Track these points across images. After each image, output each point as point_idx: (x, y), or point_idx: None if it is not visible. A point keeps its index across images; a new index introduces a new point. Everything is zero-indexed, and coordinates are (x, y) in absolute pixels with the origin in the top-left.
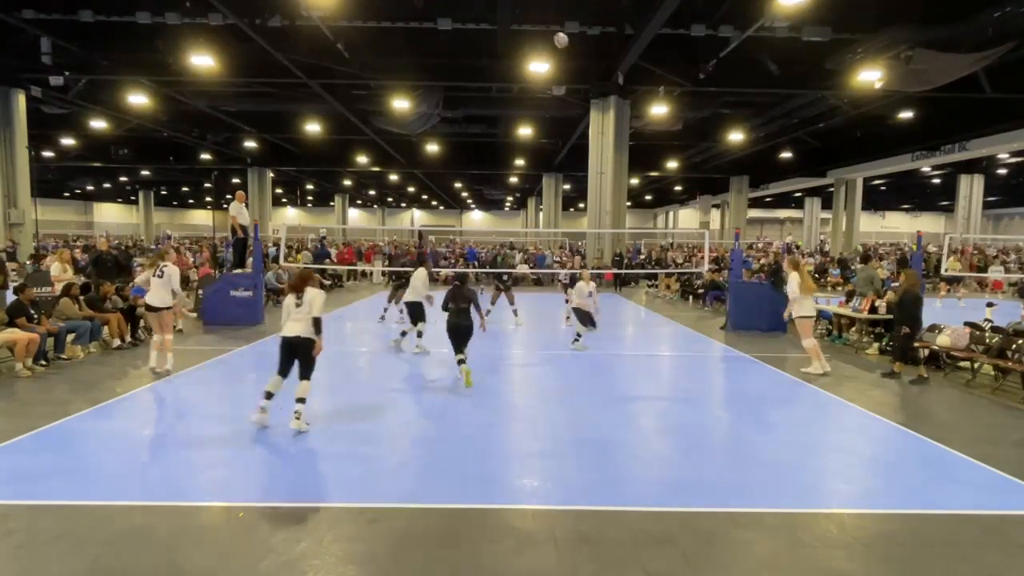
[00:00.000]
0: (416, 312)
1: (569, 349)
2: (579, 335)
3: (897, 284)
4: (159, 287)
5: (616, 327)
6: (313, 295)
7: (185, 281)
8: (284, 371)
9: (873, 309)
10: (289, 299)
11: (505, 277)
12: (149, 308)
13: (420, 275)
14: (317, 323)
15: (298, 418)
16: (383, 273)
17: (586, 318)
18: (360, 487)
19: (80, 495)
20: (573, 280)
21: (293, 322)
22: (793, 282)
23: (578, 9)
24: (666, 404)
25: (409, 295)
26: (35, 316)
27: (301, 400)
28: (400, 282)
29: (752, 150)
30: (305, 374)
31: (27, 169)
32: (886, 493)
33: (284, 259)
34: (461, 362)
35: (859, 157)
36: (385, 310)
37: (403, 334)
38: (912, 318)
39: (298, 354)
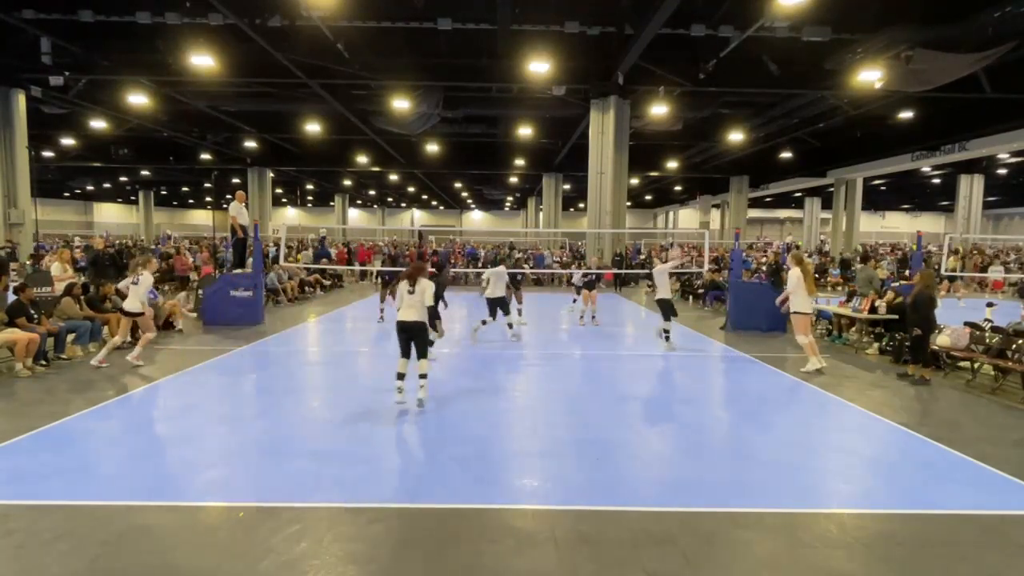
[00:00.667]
0: (502, 305)
1: (659, 349)
2: (667, 331)
3: (897, 284)
4: (134, 293)
5: (616, 327)
6: (425, 285)
7: (185, 281)
8: (407, 352)
9: (873, 309)
10: (403, 286)
11: (519, 276)
12: (124, 313)
13: (500, 272)
14: (432, 311)
15: (423, 387)
16: (376, 273)
17: (671, 309)
18: (360, 487)
19: (80, 495)
20: (589, 281)
21: (407, 308)
22: (794, 276)
23: (578, 9)
24: (666, 404)
25: (491, 291)
26: (35, 316)
27: (423, 376)
28: (389, 281)
29: (752, 150)
30: (422, 354)
31: (27, 169)
32: (886, 493)
33: (284, 259)
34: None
35: (859, 157)
36: (382, 311)
37: (484, 323)
38: (925, 319)
39: (413, 336)
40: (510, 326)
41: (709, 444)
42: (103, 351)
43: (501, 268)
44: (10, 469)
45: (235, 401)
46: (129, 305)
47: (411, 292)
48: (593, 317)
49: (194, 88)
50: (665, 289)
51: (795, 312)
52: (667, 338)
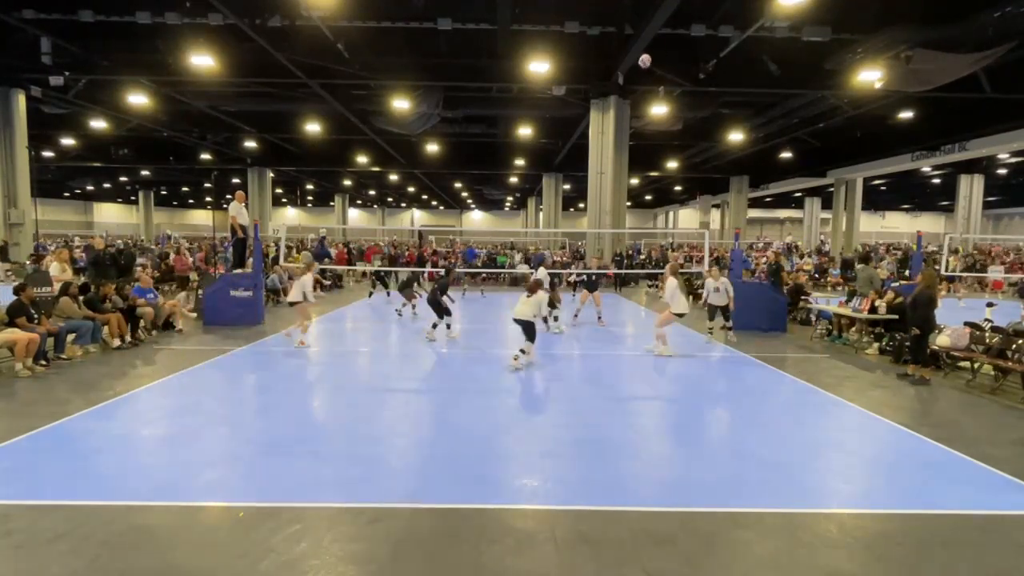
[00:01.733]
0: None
1: (703, 346)
2: (711, 330)
3: (897, 284)
4: (297, 287)
5: (616, 327)
6: (540, 297)
7: (185, 281)
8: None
9: (873, 309)
10: (524, 296)
11: (593, 278)
12: (290, 304)
13: (542, 274)
14: (436, 306)
15: (516, 359)
16: (374, 272)
17: (724, 312)
18: (360, 487)
19: (80, 495)
20: (592, 281)
21: (522, 307)
22: (671, 286)
23: (578, 9)
24: (666, 404)
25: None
26: (35, 316)
27: (524, 351)
28: (408, 281)
29: (752, 150)
30: (529, 338)
31: (27, 169)
32: (886, 493)
33: (284, 259)
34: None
35: (859, 157)
36: (404, 305)
37: (556, 318)
38: (924, 319)
39: (523, 328)
40: (544, 320)
41: (709, 444)
42: (307, 334)
43: (543, 271)
44: (10, 469)
45: (235, 401)
46: (291, 296)
47: (528, 298)
48: (599, 317)
49: (194, 88)
50: (713, 297)
51: (675, 313)
52: (710, 331)
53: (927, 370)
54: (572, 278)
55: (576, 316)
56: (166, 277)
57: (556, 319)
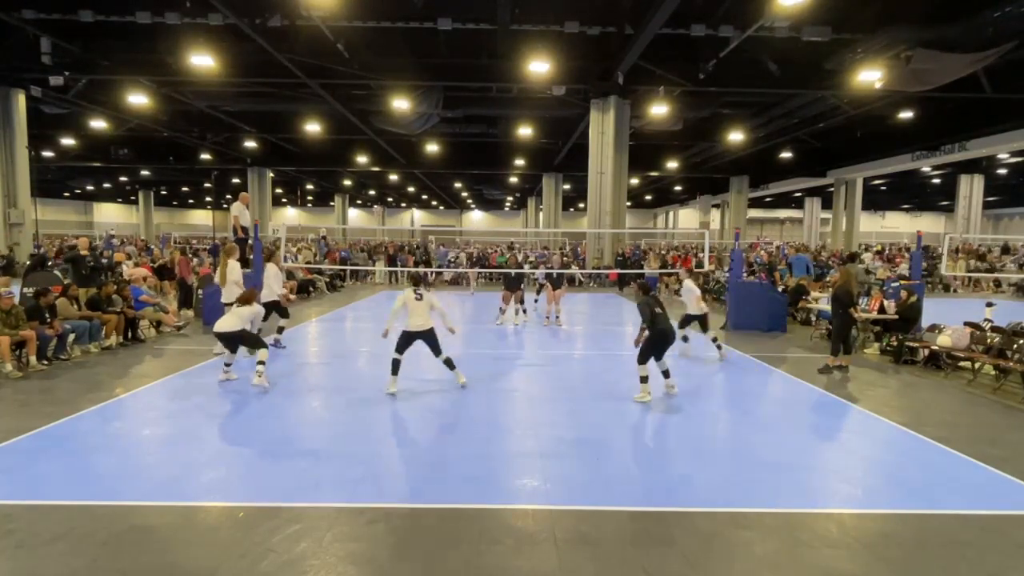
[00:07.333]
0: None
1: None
2: (685, 338)
3: (897, 284)
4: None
5: (616, 327)
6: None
7: (188, 290)
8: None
9: (882, 309)
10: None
11: (554, 275)
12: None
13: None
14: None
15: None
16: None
17: (701, 321)
18: (360, 487)
19: (80, 495)
20: (556, 279)
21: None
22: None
23: (578, 9)
24: (666, 404)
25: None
26: (48, 319)
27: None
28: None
29: (752, 150)
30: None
31: (27, 169)
32: (886, 493)
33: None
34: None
35: (859, 157)
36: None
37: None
38: (845, 314)
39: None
40: (548, 317)
41: (709, 444)
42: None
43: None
44: (10, 469)
45: (235, 401)
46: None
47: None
48: (557, 317)
49: (194, 88)
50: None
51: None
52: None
53: (847, 358)
54: (538, 276)
55: (548, 319)
56: (161, 276)
57: (524, 312)
